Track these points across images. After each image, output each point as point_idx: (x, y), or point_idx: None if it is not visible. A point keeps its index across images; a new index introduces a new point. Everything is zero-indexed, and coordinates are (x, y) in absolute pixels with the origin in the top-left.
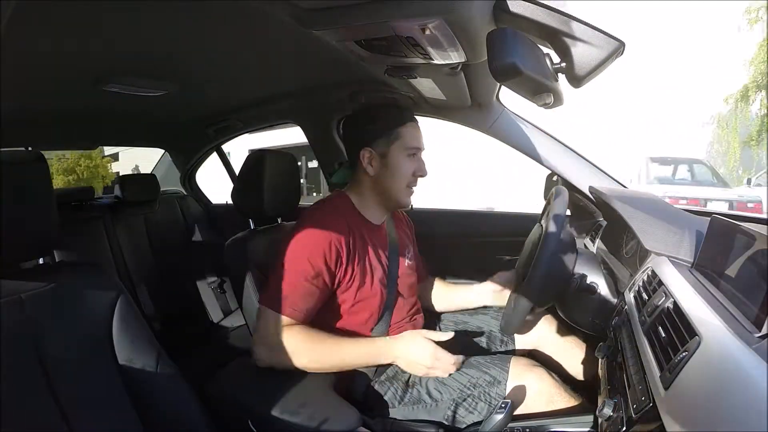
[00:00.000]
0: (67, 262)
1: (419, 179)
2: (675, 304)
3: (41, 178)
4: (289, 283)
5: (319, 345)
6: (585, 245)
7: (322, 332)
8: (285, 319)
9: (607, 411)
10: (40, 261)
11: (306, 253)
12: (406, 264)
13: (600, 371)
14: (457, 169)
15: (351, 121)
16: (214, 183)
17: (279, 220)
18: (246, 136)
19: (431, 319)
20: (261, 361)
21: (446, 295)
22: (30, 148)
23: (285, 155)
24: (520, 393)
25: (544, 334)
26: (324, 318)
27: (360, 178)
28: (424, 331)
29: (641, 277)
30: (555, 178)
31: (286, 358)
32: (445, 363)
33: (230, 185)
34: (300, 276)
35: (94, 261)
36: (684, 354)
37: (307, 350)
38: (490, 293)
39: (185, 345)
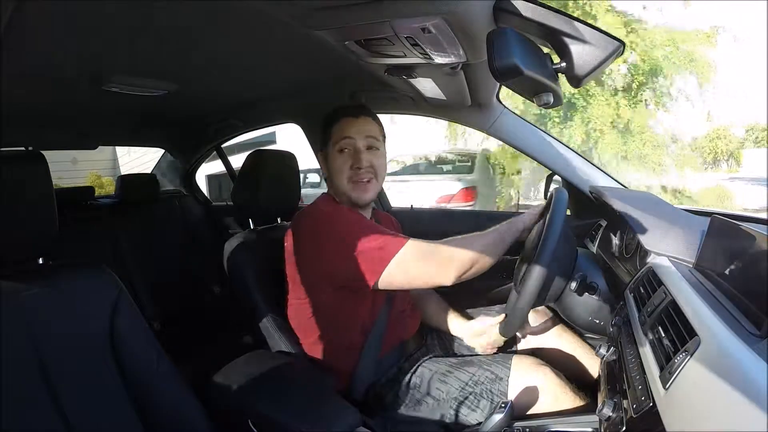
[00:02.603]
0: (67, 262)
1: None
2: (675, 304)
3: (41, 178)
4: (374, 233)
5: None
6: (585, 245)
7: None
8: (409, 244)
9: (607, 411)
10: (40, 261)
11: (349, 219)
12: None
13: (600, 371)
14: None
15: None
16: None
17: (278, 220)
18: None
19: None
20: (457, 276)
21: (437, 316)
22: (30, 148)
23: (285, 155)
24: (524, 391)
25: (545, 334)
26: (336, 315)
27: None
28: None
29: (641, 277)
30: (555, 177)
31: (457, 260)
32: None
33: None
34: (368, 227)
35: (94, 261)
36: (684, 354)
37: (457, 243)
38: (467, 334)
39: (185, 345)
